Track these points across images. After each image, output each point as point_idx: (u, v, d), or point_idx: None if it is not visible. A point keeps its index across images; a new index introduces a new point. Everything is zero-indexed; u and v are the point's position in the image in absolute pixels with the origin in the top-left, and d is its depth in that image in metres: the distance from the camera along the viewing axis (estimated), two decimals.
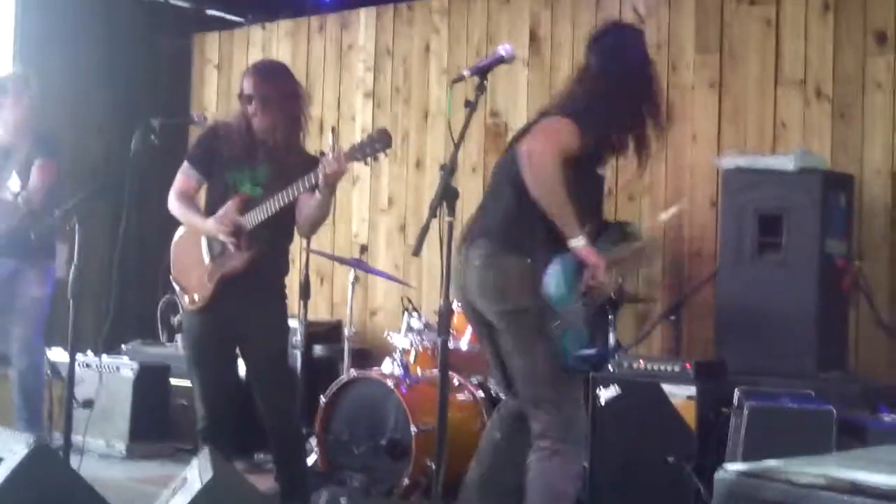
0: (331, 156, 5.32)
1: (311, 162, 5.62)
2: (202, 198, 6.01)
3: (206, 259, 5.76)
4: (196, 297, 5.76)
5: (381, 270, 8.34)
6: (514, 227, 4.72)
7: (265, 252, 5.63)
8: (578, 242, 4.64)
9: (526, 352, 4.74)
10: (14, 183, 6.88)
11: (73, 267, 5.48)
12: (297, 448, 5.93)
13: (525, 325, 4.70)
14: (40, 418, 7.01)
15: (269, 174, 5.65)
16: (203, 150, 5.87)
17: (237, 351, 5.86)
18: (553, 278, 4.61)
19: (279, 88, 5.73)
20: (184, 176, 5.92)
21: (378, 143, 5.31)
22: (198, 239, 5.81)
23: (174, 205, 5.88)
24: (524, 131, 4.87)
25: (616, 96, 4.89)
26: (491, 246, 4.72)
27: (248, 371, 5.94)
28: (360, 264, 7.72)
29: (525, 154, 4.64)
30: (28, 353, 7.14)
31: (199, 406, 5.83)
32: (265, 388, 5.73)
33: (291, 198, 5.46)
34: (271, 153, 5.66)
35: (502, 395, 5.20)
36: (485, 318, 4.84)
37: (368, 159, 5.34)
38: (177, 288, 5.92)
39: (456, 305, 5.01)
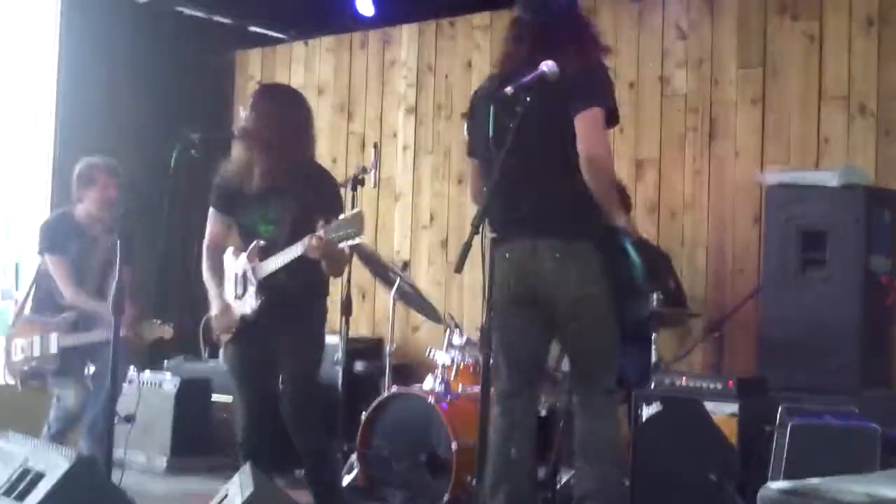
0: (311, 241, 5.31)
1: (318, 181, 5.67)
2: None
3: (231, 298, 5.79)
4: (225, 332, 5.81)
5: (417, 294, 8.16)
6: (579, 217, 4.89)
7: (284, 284, 5.61)
8: (624, 222, 5.03)
9: (601, 331, 5.01)
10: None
11: (115, 282, 5.49)
12: (322, 464, 5.83)
13: (601, 307, 4.95)
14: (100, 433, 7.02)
15: (277, 209, 5.65)
16: (221, 191, 5.87)
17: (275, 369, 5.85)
18: (633, 255, 4.90)
19: (260, 115, 5.66)
20: (210, 224, 5.99)
21: (350, 229, 5.21)
22: (227, 276, 5.87)
23: (204, 266, 5.98)
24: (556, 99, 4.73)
25: (600, 62, 5.13)
26: (565, 237, 4.89)
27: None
28: (402, 287, 7.57)
29: (589, 161, 4.82)
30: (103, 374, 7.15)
31: (240, 422, 5.84)
32: (288, 408, 5.69)
33: (300, 251, 5.44)
34: (275, 185, 5.62)
35: (504, 403, 5.05)
36: (546, 308, 4.98)
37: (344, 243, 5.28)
38: (216, 309, 5.94)
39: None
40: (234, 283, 5.79)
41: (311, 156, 5.85)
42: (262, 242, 5.65)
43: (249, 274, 5.66)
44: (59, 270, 7.08)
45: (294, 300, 5.65)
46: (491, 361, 4.45)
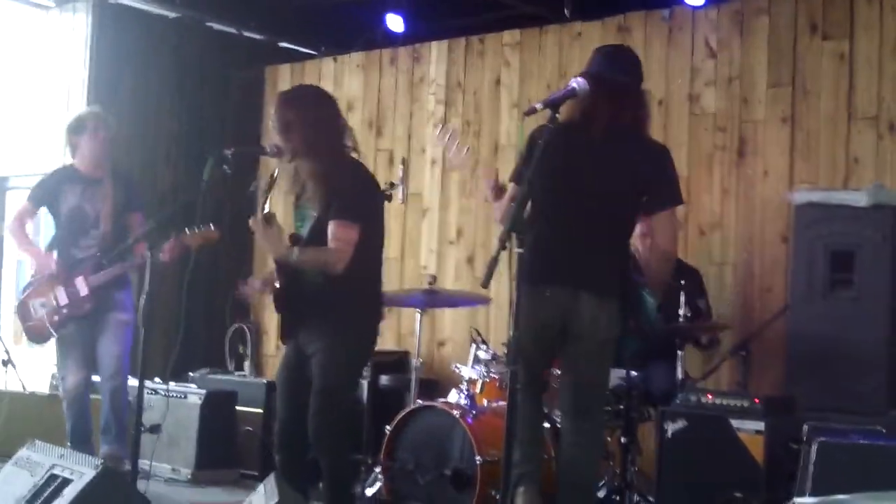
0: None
1: (340, 177, 5.61)
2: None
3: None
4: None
5: (452, 296, 8.19)
6: (616, 279, 5.32)
7: (316, 283, 5.58)
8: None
9: (607, 370, 5.51)
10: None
11: (143, 295, 5.52)
12: (334, 483, 5.75)
13: (610, 351, 5.39)
14: (126, 439, 7.08)
15: (307, 207, 5.67)
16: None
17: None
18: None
19: (282, 119, 5.66)
20: None
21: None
22: None
23: None
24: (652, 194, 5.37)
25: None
26: (605, 293, 5.26)
27: None
28: (432, 297, 7.57)
29: (664, 256, 5.48)
30: (117, 373, 7.30)
31: (276, 433, 5.80)
32: (311, 424, 5.60)
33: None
34: (313, 183, 5.61)
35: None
36: (565, 340, 5.30)
37: None
38: None
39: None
40: None
41: (342, 148, 5.77)
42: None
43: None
44: (20, 212, 7.59)
45: (323, 303, 5.58)
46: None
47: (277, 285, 5.64)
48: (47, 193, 7.48)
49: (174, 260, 6.80)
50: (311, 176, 5.58)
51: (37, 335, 7.45)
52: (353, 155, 5.81)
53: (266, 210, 5.55)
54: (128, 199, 7.46)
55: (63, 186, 7.45)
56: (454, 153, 5.80)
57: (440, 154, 9.37)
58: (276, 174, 5.72)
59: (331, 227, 5.46)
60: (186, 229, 6.63)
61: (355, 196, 5.59)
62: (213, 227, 6.75)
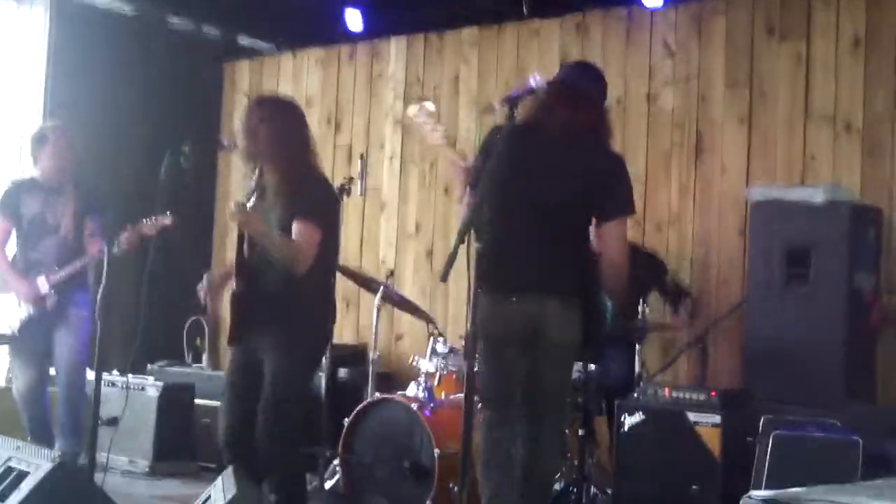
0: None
1: (307, 187, 5.65)
2: None
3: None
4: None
5: (406, 298, 8.25)
6: (578, 282, 5.22)
7: (269, 281, 5.58)
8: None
9: (566, 374, 5.39)
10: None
11: (100, 288, 5.51)
12: (287, 495, 5.75)
13: (571, 357, 5.38)
14: (81, 432, 7.07)
15: (274, 213, 5.64)
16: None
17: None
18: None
19: (269, 122, 5.66)
20: None
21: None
22: None
23: None
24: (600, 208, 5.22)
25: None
26: (566, 297, 5.17)
27: None
28: (386, 291, 7.65)
29: (613, 268, 5.23)
30: (73, 367, 7.29)
31: (223, 421, 5.75)
32: (259, 438, 5.56)
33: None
34: (277, 191, 5.63)
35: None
36: (530, 345, 5.14)
37: None
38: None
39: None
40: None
41: (308, 161, 5.82)
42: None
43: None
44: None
45: (273, 294, 5.58)
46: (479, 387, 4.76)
47: (235, 288, 5.65)
48: (12, 203, 7.50)
49: (133, 248, 6.87)
50: (274, 180, 5.61)
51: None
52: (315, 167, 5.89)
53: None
54: (87, 203, 7.46)
55: (23, 196, 7.48)
56: (429, 131, 5.79)
57: (399, 149, 9.39)
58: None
59: (296, 226, 5.47)
60: (144, 219, 6.64)
61: (319, 202, 5.66)
62: (168, 215, 6.77)
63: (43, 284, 7.26)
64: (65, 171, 7.46)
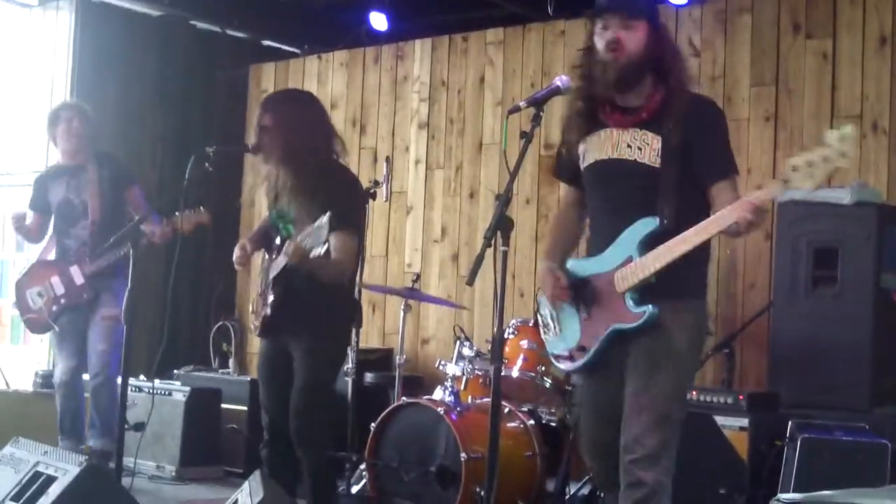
0: (289, 247, 5.30)
1: (333, 180, 5.63)
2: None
3: (256, 295, 5.82)
4: (256, 323, 5.80)
5: (432, 296, 8.31)
6: None
7: (304, 292, 5.59)
8: None
9: None
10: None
11: (127, 293, 5.52)
12: (319, 484, 5.76)
13: None
14: (113, 434, 7.10)
15: (293, 209, 5.63)
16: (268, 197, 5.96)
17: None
18: None
19: (274, 119, 5.65)
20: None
21: (314, 238, 5.16)
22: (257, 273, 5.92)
23: None
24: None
25: None
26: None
27: None
28: (413, 293, 7.69)
29: None
30: (102, 370, 7.35)
31: (265, 434, 5.81)
32: (292, 422, 5.63)
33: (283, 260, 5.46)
34: (291, 187, 5.60)
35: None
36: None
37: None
38: (253, 306, 5.95)
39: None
40: (260, 280, 5.80)
41: (329, 154, 5.78)
42: (277, 241, 5.68)
43: (269, 271, 5.68)
44: (32, 222, 7.64)
45: (309, 303, 5.59)
46: None
47: (272, 297, 5.64)
48: (41, 195, 7.61)
49: (164, 242, 6.94)
50: (294, 181, 5.58)
51: (37, 326, 7.61)
52: (340, 159, 5.85)
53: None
54: (117, 176, 7.53)
55: (49, 183, 7.58)
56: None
57: (423, 152, 9.39)
58: None
59: (335, 239, 5.42)
60: (177, 213, 6.60)
61: (350, 203, 5.65)
62: (203, 211, 6.78)
63: (77, 275, 7.33)
64: (83, 148, 7.52)
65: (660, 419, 4.40)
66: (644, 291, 4.36)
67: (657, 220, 4.33)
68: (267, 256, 5.83)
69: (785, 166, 4.17)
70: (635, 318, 4.36)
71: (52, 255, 7.58)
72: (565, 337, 4.59)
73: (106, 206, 7.40)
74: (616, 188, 4.49)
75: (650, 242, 4.34)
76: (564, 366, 4.69)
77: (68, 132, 7.50)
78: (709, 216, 4.35)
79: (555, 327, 4.67)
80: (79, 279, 7.33)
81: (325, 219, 5.07)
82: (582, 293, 4.53)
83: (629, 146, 4.45)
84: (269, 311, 5.64)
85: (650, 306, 4.33)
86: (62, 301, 7.38)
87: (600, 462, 4.66)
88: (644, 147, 4.42)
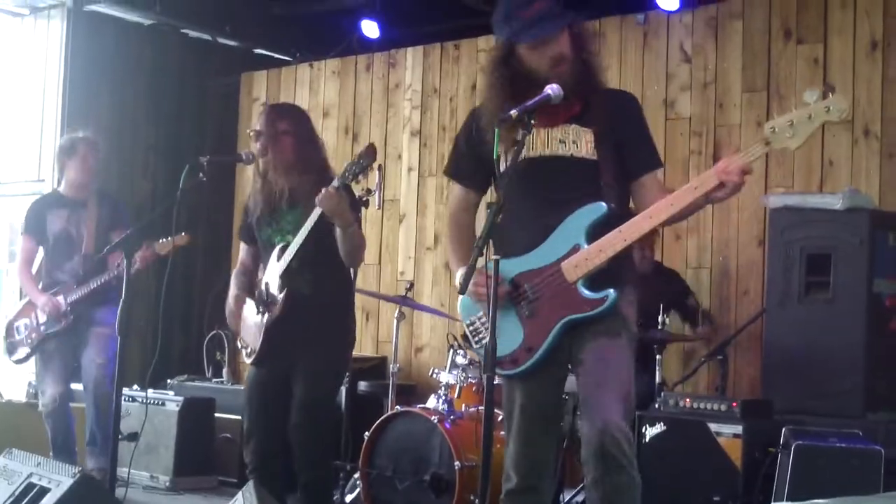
0: (322, 191, 5.33)
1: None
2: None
3: (257, 314, 5.79)
4: (250, 349, 5.76)
5: (426, 305, 8.34)
6: None
7: (307, 295, 5.60)
8: None
9: None
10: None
11: (120, 303, 5.51)
12: (316, 495, 5.76)
13: None
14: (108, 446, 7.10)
15: (294, 218, 5.64)
16: (244, 221, 5.94)
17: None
18: None
19: (269, 131, 5.65)
20: (241, 254, 6.03)
21: (364, 158, 5.35)
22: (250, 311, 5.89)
23: (231, 288, 5.95)
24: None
25: None
26: None
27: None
28: (406, 301, 7.70)
29: None
30: (101, 381, 7.32)
31: (254, 447, 5.77)
32: (296, 433, 5.63)
33: (301, 241, 5.48)
34: (290, 198, 5.63)
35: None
36: None
37: (368, 186, 5.22)
38: (240, 345, 5.92)
39: None
40: (256, 301, 5.77)
41: (326, 165, 5.84)
42: (278, 245, 5.67)
43: (273, 280, 5.65)
44: (22, 252, 7.58)
45: (315, 316, 5.59)
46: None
47: (278, 311, 5.63)
48: (37, 222, 7.54)
49: (146, 266, 6.89)
50: (299, 190, 5.59)
51: (18, 353, 7.55)
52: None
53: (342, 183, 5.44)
54: (112, 218, 7.51)
55: (48, 212, 7.52)
56: None
57: (416, 160, 9.38)
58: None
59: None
60: (160, 239, 6.62)
61: (357, 209, 5.66)
62: (183, 235, 6.78)
63: (61, 303, 7.31)
64: (90, 184, 7.51)
65: (629, 404, 4.37)
66: (595, 278, 4.30)
67: (604, 206, 4.30)
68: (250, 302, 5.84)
69: (764, 128, 4.19)
70: (595, 305, 4.29)
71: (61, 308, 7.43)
72: (502, 341, 4.28)
73: (98, 243, 7.35)
74: (552, 184, 4.42)
75: (597, 229, 4.30)
76: (507, 371, 4.45)
77: (82, 167, 7.47)
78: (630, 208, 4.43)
79: (486, 333, 4.42)
80: (62, 306, 7.31)
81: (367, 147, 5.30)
82: (518, 292, 4.43)
83: (562, 142, 4.42)
84: (281, 306, 5.61)
85: (611, 290, 4.27)
86: (42, 328, 7.36)
87: (529, 480, 4.48)
88: (578, 141, 4.41)
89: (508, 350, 4.42)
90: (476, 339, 4.60)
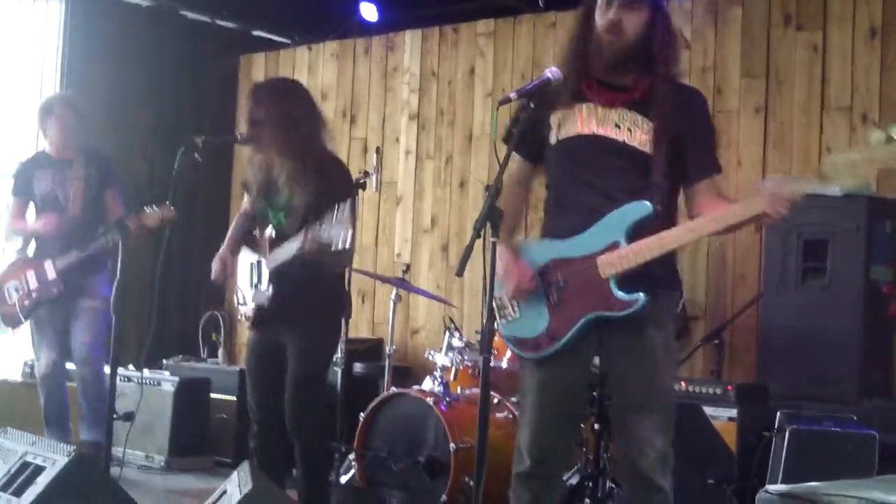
0: (306, 237, 5.28)
1: (329, 170, 5.65)
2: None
3: (247, 288, 5.81)
4: (247, 314, 5.79)
5: (423, 289, 8.35)
6: None
7: (300, 282, 5.59)
8: None
9: None
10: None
11: (115, 283, 5.50)
12: (313, 469, 5.84)
13: None
14: (101, 424, 7.09)
15: (287, 198, 5.64)
16: (245, 186, 5.95)
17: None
18: None
19: (270, 111, 5.63)
20: (243, 202, 6.05)
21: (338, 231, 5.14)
22: (242, 266, 5.91)
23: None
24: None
25: None
26: None
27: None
28: (403, 283, 7.71)
29: None
30: (87, 361, 7.35)
31: (253, 426, 5.84)
32: (289, 409, 5.68)
33: (297, 248, 5.42)
34: (288, 177, 5.60)
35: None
36: None
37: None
38: (239, 297, 5.93)
39: None
40: (248, 274, 5.79)
41: (323, 144, 5.81)
42: (272, 233, 5.67)
43: (263, 264, 5.68)
44: (12, 208, 7.57)
45: (305, 294, 5.59)
46: None
47: (272, 288, 5.63)
48: (24, 182, 7.53)
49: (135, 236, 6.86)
50: (291, 171, 5.57)
51: (10, 319, 7.53)
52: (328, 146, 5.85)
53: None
54: (101, 176, 7.48)
55: (35, 172, 7.51)
56: None
57: (414, 143, 9.38)
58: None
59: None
60: (145, 207, 6.54)
61: (343, 195, 5.54)
62: (169, 207, 6.69)
63: (50, 270, 7.28)
64: (73, 143, 7.47)
65: (666, 418, 4.34)
66: (630, 279, 4.18)
67: (649, 206, 4.16)
68: (250, 251, 5.83)
69: (825, 163, 4.05)
70: (625, 306, 4.18)
71: (31, 251, 7.49)
72: (527, 323, 4.34)
73: (87, 203, 7.36)
74: (598, 166, 4.29)
75: (638, 229, 4.18)
76: (526, 354, 4.41)
77: (61, 127, 7.45)
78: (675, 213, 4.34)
79: (513, 310, 4.44)
80: (51, 273, 7.28)
81: (346, 211, 5.07)
82: (551, 276, 4.34)
83: (617, 125, 4.26)
84: (267, 304, 5.64)
85: (641, 294, 4.15)
86: (33, 295, 7.34)
87: (541, 465, 4.46)
88: (634, 129, 4.25)
89: (532, 334, 4.37)
90: (501, 313, 4.49)
